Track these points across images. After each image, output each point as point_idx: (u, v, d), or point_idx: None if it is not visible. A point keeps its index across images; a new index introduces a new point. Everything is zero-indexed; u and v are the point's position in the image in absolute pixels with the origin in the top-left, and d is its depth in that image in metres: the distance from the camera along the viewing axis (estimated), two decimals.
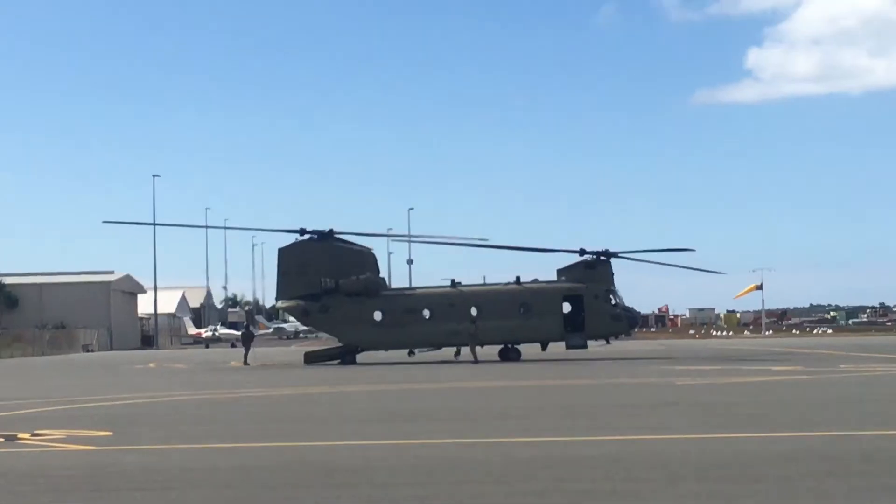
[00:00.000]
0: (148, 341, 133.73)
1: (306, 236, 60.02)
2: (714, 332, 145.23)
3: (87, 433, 21.61)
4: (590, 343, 60.13)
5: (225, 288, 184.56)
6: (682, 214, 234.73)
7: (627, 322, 61.98)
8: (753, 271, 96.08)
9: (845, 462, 15.79)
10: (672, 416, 24.03)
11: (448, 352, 59.91)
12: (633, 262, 63.66)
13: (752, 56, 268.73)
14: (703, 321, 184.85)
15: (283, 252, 60.80)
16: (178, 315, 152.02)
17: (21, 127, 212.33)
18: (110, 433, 21.74)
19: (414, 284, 75.24)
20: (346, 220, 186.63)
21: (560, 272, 61.17)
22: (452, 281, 61.64)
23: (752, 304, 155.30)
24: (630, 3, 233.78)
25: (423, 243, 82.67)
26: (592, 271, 60.05)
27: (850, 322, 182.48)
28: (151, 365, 65.14)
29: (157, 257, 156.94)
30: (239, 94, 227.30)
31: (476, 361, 54.50)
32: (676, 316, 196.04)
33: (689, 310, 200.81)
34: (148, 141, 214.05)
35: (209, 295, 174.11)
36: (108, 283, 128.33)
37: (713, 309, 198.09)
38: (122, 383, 43.35)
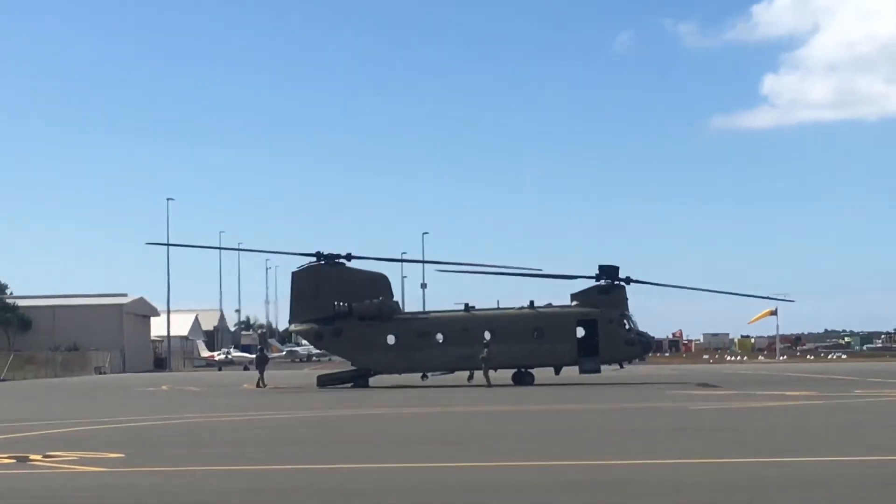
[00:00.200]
0: (161, 364, 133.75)
1: (323, 260, 60.07)
2: (728, 358, 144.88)
3: (99, 455, 21.57)
4: (603, 368, 60.00)
5: (238, 311, 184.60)
6: (699, 239, 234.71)
7: (641, 347, 61.87)
8: (769, 298, 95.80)
9: (859, 487, 15.70)
10: (685, 440, 23.94)
11: (461, 376, 59.82)
12: (652, 286, 63.92)
13: (768, 82, 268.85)
14: (717, 346, 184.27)
15: (296, 275, 60.84)
16: (191, 338, 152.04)
17: (34, 150, 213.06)
18: (122, 455, 21.70)
19: (427, 308, 75.11)
20: (358, 244, 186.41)
21: (574, 296, 61.05)
22: (466, 305, 61.58)
23: (767, 329, 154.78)
24: (646, 31, 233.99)
25: (441, 270, 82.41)
26: (606, 296, 59.94)
27: (864, 347, 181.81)
28: (164, 387, 65.13)
29: (170, 280, 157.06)
30: (254, 118, 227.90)
31: (489, 385, 54.38)
32: (690, 341, 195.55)
33: (704, 335, 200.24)
34: (162, 164, 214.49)
35: (222, 318, 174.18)
36: (121, 305, 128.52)
37: (727, 334, 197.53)
38: (135, 405, 43.32)
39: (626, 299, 60.62)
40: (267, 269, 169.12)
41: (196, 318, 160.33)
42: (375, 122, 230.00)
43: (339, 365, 72.82)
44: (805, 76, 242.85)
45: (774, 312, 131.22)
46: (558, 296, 65.73)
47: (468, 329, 59.11)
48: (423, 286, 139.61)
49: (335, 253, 60.28)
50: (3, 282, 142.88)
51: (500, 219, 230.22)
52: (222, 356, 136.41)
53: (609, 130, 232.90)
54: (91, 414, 36.47)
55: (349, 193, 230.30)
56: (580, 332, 59.40)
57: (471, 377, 59.40)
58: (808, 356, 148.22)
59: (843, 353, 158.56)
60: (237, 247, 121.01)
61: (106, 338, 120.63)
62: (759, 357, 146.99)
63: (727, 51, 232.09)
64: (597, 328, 59.05)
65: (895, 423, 27.93)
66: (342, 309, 59.11)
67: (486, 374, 55.89)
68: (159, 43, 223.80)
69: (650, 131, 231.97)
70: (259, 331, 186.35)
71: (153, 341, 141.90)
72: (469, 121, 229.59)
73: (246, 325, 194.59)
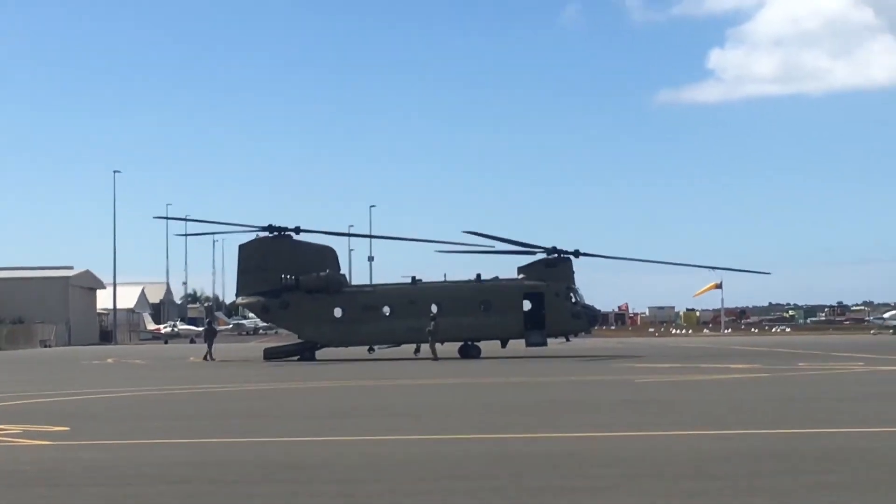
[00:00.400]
0: (106, 337, 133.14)
1: (274, 233, 59.91)
2: (674, 331, 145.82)
3: (44, 428, 21.47)
4: (550, 341, 60.27)
5: (185, 284, 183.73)
6: (645, 212, 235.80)
7: (587, 320, 62.16)
8: (713, 269, 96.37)
9: (801, 460, 15.86)
10: (630, 413, 24.08)
11: (408, 349, 59.92)
12: (603, 259, 64.39)
13: (714, 57, 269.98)
14: (662, 319, 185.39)
15: (243, 248, 60.66)
16: (137, 311, 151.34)
17: None
18: (67, 428, 21.60)
19: (375, 281, 75.06)
20: (307, 218, 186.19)
21: (521, 270, 61.26)
22: (413, 278, 61.63)
23: (712, 302, 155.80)
24: (593, 4, 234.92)
25: (385, 239, 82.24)
26: (553, 269, 60.15)
27: (808, 321, 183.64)
28: (110, 360, 64.85)
29: (116, 253, 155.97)
30: (201, 91, 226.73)
31: (436, 358, 54.47)
32: (636, 314, 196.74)
33: (649, 308, 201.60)
34: (109, 136, 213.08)
35: (169, 291, 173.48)
36: (67, 278, 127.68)
37: (673, 307, 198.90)
38: (80, 378, 43.11)
39: (573, 273, 60.85)
40: (214, 241, 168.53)
41: (142, 291, 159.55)
42: (323, 95, 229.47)
43: (286, 338, 72.83)
44: (751, 51, 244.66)
45: (719, 286, 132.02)
46: (505, 269, 65.90)
47: (415, 302, 59.14)
48: (371, 259, 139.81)
49: (285, 226, 60.14)
50: None
51: (446, 193, 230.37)
52: (168, 329, 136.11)
53: (555, 103, 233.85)
54: (36, 387, 36.25)
55: (297, 167, 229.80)
56: (527, 305, 59.55)
57: (417, 350, 59.57)
58: (753, 329, 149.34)
59: (787, 326, 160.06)
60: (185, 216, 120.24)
61: (51, 311, 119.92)
62: (705, 330, 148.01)
63: (674, 25, 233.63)
64: (543, 301, 59.22)
65: (836, 396, 28.19)
66: (289, 282, 59.05)
67: (432, 347, 55.96)
68: (103, 12, 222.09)
69: (597, 105, 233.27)
70: (206, 304, 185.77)
71: (99, 314, 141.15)
72: (416, 94, 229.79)
73: (193, 297, 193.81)
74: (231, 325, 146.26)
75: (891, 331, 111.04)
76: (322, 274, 59.16)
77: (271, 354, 60.52)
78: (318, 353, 59.28)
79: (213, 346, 63.82)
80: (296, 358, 58.99)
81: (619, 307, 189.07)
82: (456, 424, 21.90)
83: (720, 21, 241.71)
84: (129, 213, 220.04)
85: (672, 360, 51.44)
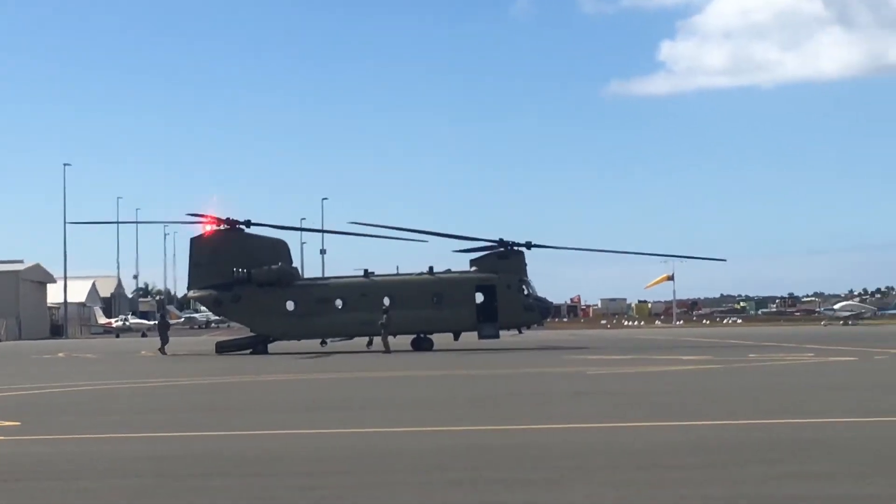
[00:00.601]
0: (57, 331, 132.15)
1: (223, 226, 59.72)
2: (626, 323, 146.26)
3: None
4: (502, 333, 60.33)
5: (136, 277, 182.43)
6: (596, 203, 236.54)
7: (539, 312, 62.36)
8: (664, 261, 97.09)
9: (754, 450, 15.94)
10: (583, 405, 24.16)
11: (360, 342, 59.87)
12: (554, 250, 64.77)
13: (665, 48, 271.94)
14: (615, 311, 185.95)
15: (195, 241, 60.48)
16: (88, 304, 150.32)
17: None
18: (18, 423, 21.47)
19: (327, 274, 74.96)
20: (258, 211, 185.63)
21: (473, 262, 61.31)
22: (365, 271, 61.56)
23: (664, 294, 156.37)
24: None
25: (337, 234, 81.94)
26: (505, 261, 60.25)
27: (759, 312, 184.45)
28: (61, 355, 64.38)
29: (67, 246, 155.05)
30: (151, 84, 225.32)
31: (388, 351, 54.44)
32: (588, 306, 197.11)
33: (601, 300, 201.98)
34: (58, 128, 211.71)
35: (120, 284, 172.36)
36: (17, 272, 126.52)
37: (625, 299, 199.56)
38: (31, 373, 42.80)
39: (525, 265, 61.00)
40: (165, 234, 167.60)
41: (93, 285, 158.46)
42: (276, 86, 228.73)
43: (238, 331, 72.47)
44: (701, 43, 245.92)
45: (671, 277, 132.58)
46: (458, 262, 65.83)
47: (367, 295, 59.10)
48: (323, 252, 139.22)
49: (236, 219, 59.98)
50: None
51: (399, 184, 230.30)
52: (120, 323, 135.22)
53: (506, 94, 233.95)
54: None
55: (249, 158, 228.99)
56: (479, 297, 59.62)
57: (370, 343, 59.56)
58: (705, 321, 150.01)
59: (739, 317, 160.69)
60: (135, 210, 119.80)
61: (1, 305, 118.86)
62: (657, 322, 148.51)
63: (625, 16, 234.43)
64: (495, 294, 59.30)
65: (787, 387, 28.39)
66: (241, 275, 58.87)
67: (384, 340, 55.89)
68: (56, 3, 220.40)
69: (547, 96, 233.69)
70: (157, 297, 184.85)
71: (50, 308, 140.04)
72: (369, 84, 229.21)
73: (144, 291, 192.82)
74: (183, 319, 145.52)
75: (841, 322, 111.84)
76: (274, 267, 59.03)
77: (223, 348, 60.32)
78: (271, 347, 59.13)
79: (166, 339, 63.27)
80: (248, 351, 58.81)
81: (571, 299, 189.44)
82: (411, 417, 21.91)
83: (671, 13, 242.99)
84: (79, 206, 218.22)
85: (624, 352, 51.64)
